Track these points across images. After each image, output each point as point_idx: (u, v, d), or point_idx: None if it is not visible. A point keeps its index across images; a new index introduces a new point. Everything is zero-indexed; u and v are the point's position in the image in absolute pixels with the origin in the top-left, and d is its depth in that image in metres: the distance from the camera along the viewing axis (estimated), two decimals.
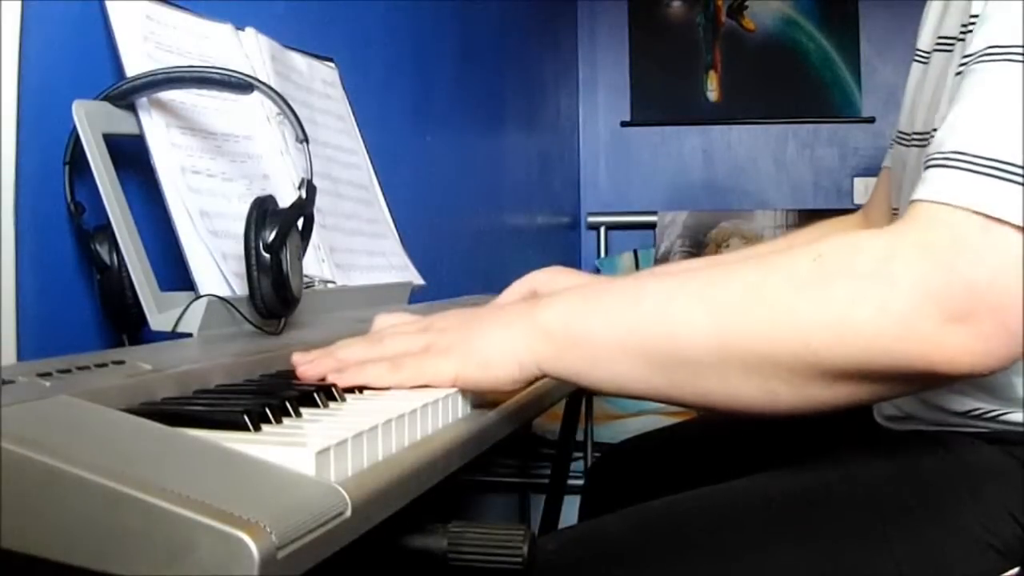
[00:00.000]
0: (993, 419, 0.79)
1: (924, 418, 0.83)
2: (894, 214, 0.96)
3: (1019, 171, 0.58)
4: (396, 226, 1.30)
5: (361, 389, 0.68)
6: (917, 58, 0.93)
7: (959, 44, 0.76)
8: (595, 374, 0.69)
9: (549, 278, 1.01)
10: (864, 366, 0.61)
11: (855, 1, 3.07)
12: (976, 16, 0.66)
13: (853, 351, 0.60)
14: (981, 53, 0.63)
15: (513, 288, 1.01)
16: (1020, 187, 0.58)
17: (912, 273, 0.59)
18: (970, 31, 0.67)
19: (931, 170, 0.62)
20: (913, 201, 0.62)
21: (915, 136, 0.89)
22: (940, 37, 0.84)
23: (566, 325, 0.69)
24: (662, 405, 2.32)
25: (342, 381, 0.69)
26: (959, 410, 0.80)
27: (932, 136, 0.65)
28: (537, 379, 0.72)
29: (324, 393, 0.63)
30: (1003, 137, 0.60)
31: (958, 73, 0.67)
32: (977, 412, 0.79)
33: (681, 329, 0.65)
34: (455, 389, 0.69)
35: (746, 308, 0.63)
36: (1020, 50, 0.61)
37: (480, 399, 0.72)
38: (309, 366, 0.71)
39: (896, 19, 2.95)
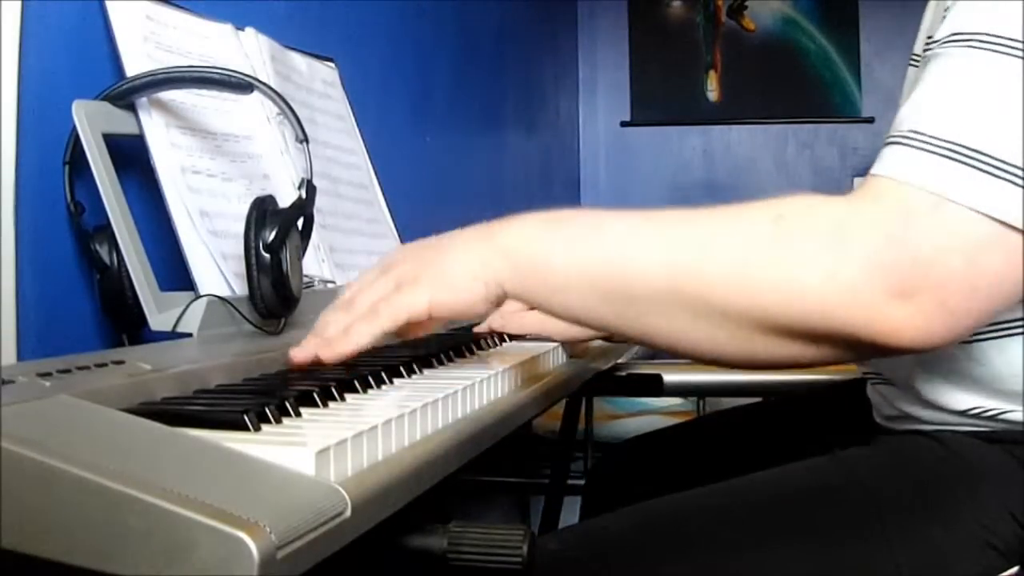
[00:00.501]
0: (993, 418, 0.79)
1: (923, 418, 0.83)
2: None
3: (972, 154, 0.60)
4: (396, 226, 1.30)
5: (363, 388, 0.68)
6: (912, 62, 0.93)
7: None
8: (551, 300, 0.70)
9: None
10: (807, 327, 0.62)
11: (855, 1, 3.07)
12: (948, 7, 0.68)
13: (798, 312, 0.62)
14: (945, 39, 0.65)
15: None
16: (972, 169, 0.59)
17: (863, 244, 0.60)
18: (942, 22, 0.68)
19: (889, 147, 0.63)
20: (871, 175, 0.63)
21: None
22: (928, 39, 0.85)
23: (527, 247, 0.70)
24: (662, 405, 2.33)
25: (333, 354, 0.70)
26: (959, 408, 0.80)
27: None
28: (502, 299, 0.72)
29: (324, 393, 0.63)
30: (959, 120, 0.61)
31: (922, 57, 0.68)
32: (977, 411, 0.79)
33: (635, 266, 0.66)
34: (457, 387, 0.69)
35: (702, 255, 0.65)
36: (982, 37, 0.62)
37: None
38: (298, 350, 0.73)
39: (896, 19, 2.95)
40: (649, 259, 0.66)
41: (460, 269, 0.71)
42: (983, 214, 0.59)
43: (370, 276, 0.77)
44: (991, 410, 0.79)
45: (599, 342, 1.05)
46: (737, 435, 1.12)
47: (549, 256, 0.69)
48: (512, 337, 1.02)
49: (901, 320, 0.60)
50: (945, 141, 0.61)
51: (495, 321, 1.00)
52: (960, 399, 0.80)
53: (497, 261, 0.70)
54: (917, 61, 0.91)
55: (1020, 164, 0.59)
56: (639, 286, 0.66)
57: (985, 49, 0.62)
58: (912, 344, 0.61)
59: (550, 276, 0.69)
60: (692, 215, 0.68)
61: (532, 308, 0.76)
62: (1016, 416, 0.78)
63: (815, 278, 0.61)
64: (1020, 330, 0.76)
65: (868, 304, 0.60)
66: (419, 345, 0.88)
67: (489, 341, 0.99)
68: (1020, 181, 0.59)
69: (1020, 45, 0.61)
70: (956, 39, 0.64)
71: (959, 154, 0.60)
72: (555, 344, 0.98)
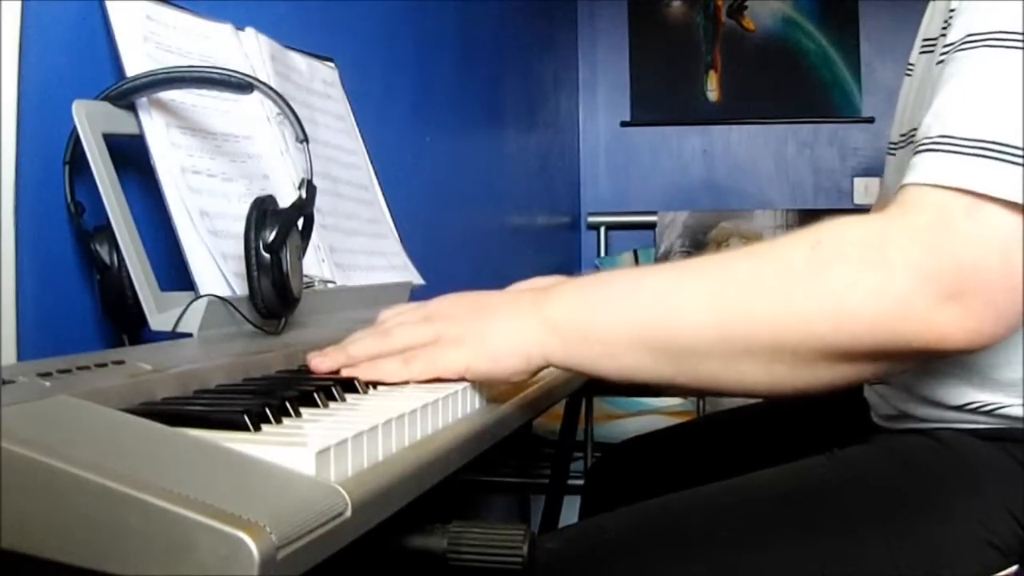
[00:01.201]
0: (990, 413, 0.79)
1: (921, 416, 0.83)
2: None
3: (1005, 148, 0.60)
4: (396, 226, 1.30)
5: (366, 387, 0.69)
6: (908, 72, 0.94)
7: (940, 40, 0.77)
8: (601, 365, 0.70)
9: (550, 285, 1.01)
10: (864, 347, 0.63)
11: (855, 1, 3.07)
12: (954, 10, 0.68)
13: (853, 334, 0.62)
14: (961, 42, 0.66)
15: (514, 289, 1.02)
16: (1005, 164, 0.60)
17: (905, 256, 0.61)
18: (949, 25, 0.69)
19: (919, 155, 0.64)
20: (903, 186, 0.64)
21: (901, 137, 0.90)
22: (924, 40, 0.86)
23: (571, 318, 0.70)
24: (662, 405, 2.33)
25: (356, 376, 0.70)
26: (956, 403, 0.80)
27: (915, 133, 0.67)
28: (542, 369, 0.73)
29: (324, 393, 0.63)
30: (985, 118, 0.62)
31: (939, 63, 0.69)
32: (974, 405, 0.79)
33: (682, 319, 0.67)
34: (458, 388, 0.69)
35: (746, 296, 0.65)
36: (999, 35, 0.63)
37: (489, 392, 0.73)
38: (322, 358, 0.73)
39: (896, 19, 2.95)
40: (694, 309, 0.66)
41: (505, 342, 0.71)
42: (1017, 205, 0.60)
43: (412, 315, 0.76)
44: (988, 404, 0.79)
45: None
46: (737, 435, 1.13)
47: (595, 323, 0.69)
48: None
49: (952, 324, 0.61)
50: (973, 140, 0.61)
51: None
52: (957, 393, 0.80)
53: (544, 335, 0.70)
54: (911, 70, 0.92)
55: None
56: (688, 338, 0.66)
57: (1000, 46, 0.63)
58: (966, 345, 0.62)
59: (598, 343, 0.69)
60: (729, 258, 0.69)
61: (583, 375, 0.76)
62: (1013, 412, 0.78)
63: (863, 297, 0.62)
64: None
65: (919, 313, 0.61)
66: None
67: None
68: None
69: None
70: (970, 41, 0.65)
71: (989, 150, 0.61)
72: None
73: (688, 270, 0.70)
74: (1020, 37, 0.62)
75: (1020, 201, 0.59)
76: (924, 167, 0.63)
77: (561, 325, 0.70)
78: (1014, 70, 0.62)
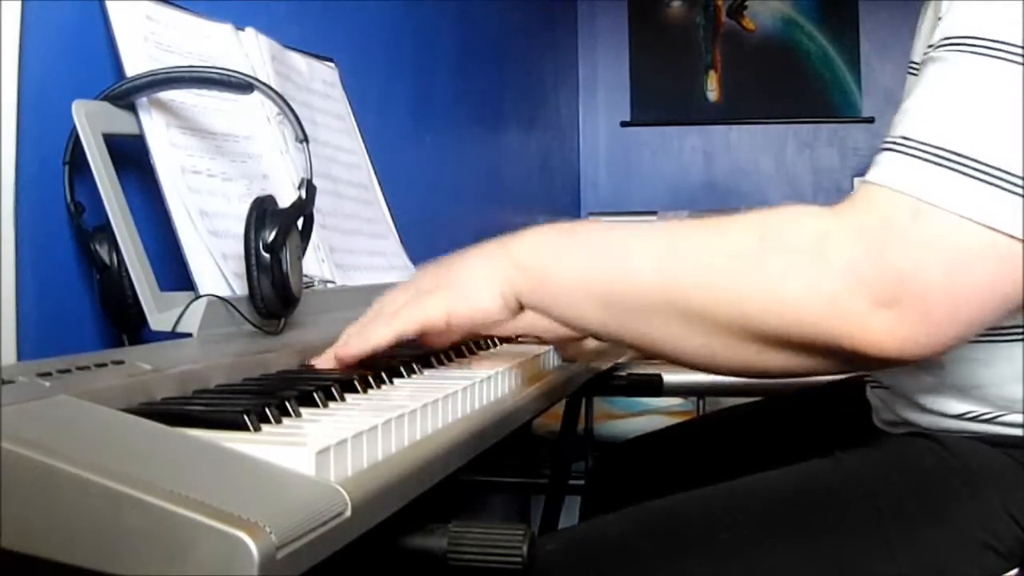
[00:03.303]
0: (989, 421, 0.79)
1: (921, 423, 0.83)
2: None
3: (959, 158, 0.59)
4: (396, 226, 1.30)
5: (363, 388, 0.68)
6: (910, 70, 0.94)
7: None
8: (561, 311, 0.73)
9: None
10: (794, 337, 0.63)
11: (855, 1, 3.07)
12: (942, 15, 0.68)
13: (783, 322, 0.63)
14: (938, 44, 0.65)
15: None
16: (958, 175, 0.59)
17: (844, 255, 0.61)
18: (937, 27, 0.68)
19: (880, 153, 0.64)
20: (863, 182, 0.64)
21: None
22: (928, 47, 0.85)
23: (538, 260, 0.73)
24: (662, 405, 2.33)
25: (349, 351, 0.74)
26: (954, 413, 0.80)
27: None
28: (520, 310, 0.75)
29: (324, 393, 0.63)
30: (947, 125, 0.61)
31: (921, 62, 0.69)
32: (973, 414, 0.79)
33: (633, 279, 0.69)
34: (457, 387, 0.69)
35: (692, 265, 0.67)
36: (972, 41, 0.62)
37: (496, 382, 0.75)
38: (323, 357, 0.77)
39: (896, 19, 2.95)
40: (644, 268, 0.68)
41: (477, 280, 0.74)
42: (972, 221, 0.58)
43: (393, 291, 0.80)
44: (986, 414, 0.79)
45: (593, 343, 1.05)
46: (737, 435, 1.12)
47: (557, 268, 0.72)
48: (503, 340, 1.02)
49: (883, 331, 0.60)
50: (933, 146, 0.60)
51: None
52: (955, 404, 0.80)
53: (511, 272, 0.73)
54: (915, 70, 0.91)
55: (1011, 169, 0.59)
56: (637, 296, 0.68)
57: (974, 53, 0.62)
58: (896, 354, 0.61)
59: (558, 288, 0.72)
60: (687, 227, 0.72)
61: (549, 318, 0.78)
62: (1012, 419, 0.78)
63: (797, 290, 0.62)
64: (1013, 337, 0.76)
65: (850, 315, 0.60)
66: (419, 345, 0.88)
67: (489, 342, 0.99)
68: (1015, 188, 0.58)
69: (1010, 48, 0.61)
70: (947, 43, 0.64)
71: (947, 159, 0.60)
72: (553, 345, 0.98)
73: (651, 231, 0.73)
74: (997, 45, 0.61)
75: (968, 215, 0.58)
76: (880, 166, 0.63)
77: (527, 265, 0.73)
78: (986, 80, 0.61)
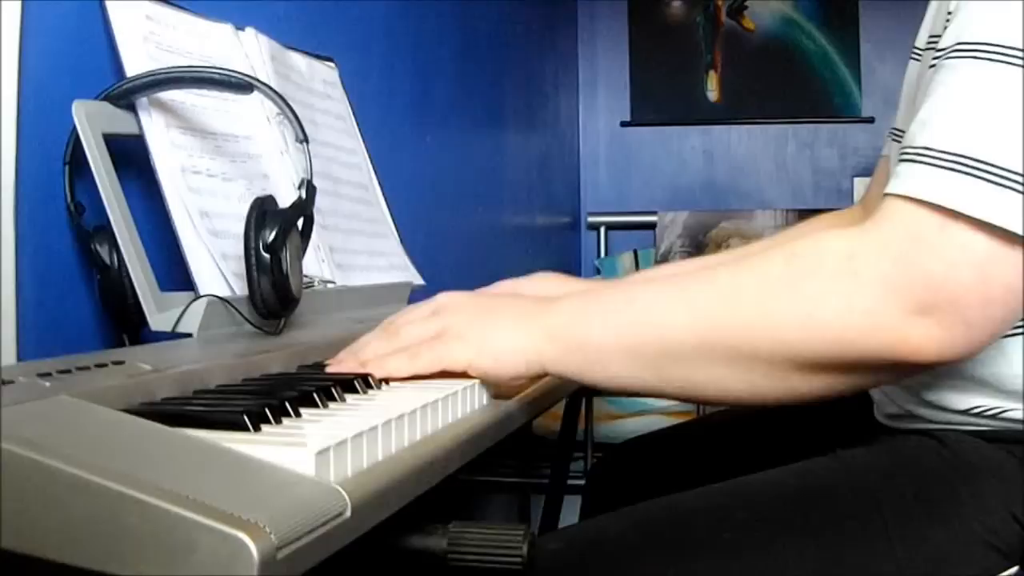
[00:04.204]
0: (994, 416, 0.79)
1: (925, 416, 0.83)
2: None
3: (981, 165, 0.60)
4: (396, 226, 1.30)
5: (366, 388, 0.69)
6: (913, 56, 0.94)
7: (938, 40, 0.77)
8: (592, 372, 0.73)
9: (536, 285, 1.02)
10: (835, 358, 0.65)
11: (855, 1, 3.07)
12: (951, 13, 0.68)
13: (824, 345, 0.64)
14: (951, 49, 0.66)
15: (501, 286, 1.02)
16: (983, 182, 0.60)
17: (874, 270, 0.62)
18: (946, 27, 0.69)
19: (901, 164, 0.64)
20: (884, 195, 0.65)
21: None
22: (931, 36, 0.85)
23: (567, 327, 0.73)
24: (662, 405, 2.33)
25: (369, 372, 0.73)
26: (960, 408, 0.80)
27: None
28: (540, 376, 0.77)
29: (324, 393, 0.63)
30: (967, 133, 0.62)
31: (931, 67, 0.69)
32: (978, 409, 0.79)
33: (667, 329, 0.69)
34: (457, 388, 0.69)
35: (726, 306, 0.68)
36: (986, 48, 0.63)
37: (496, 389, 0.76)
38: (337, 364, 0.76)
39: (896, 19, 2.95)
40: (676, 318, 0.69)
41: (507, 343, 0.74)
42: (998, 225, 0.60)
43: (418, 313, 0.79)
44: (992, 409, 0.79)
45: None
46: (737, 435, 1.12)
47: (589, 332, 0.72)
48: None
49: (923, 338, 0.62)
50: (953, 155, 0.62)
51: None
52: (961, 399, 0.80)
53: (542, 343, 0.73)
54: (918, 55, 0.92)
55: (1021, 171, 0.60)
56: (671, 345, 0.69)
57: (989, 59, 0.63)
58: (937, 358, 0.63)
59: (590, 351, 0.72)
60: (711, 271, 0.72)
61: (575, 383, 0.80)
62: (1017, 414, 0.78)
63: (832, 311, 0.63)
64: (1016, 332, 0.77)
65: (888, 327, 0.62)
66: None
67: None
68: (1021, 188, 0.60)
69: (1022, 54, 0.62)
70: (960, 50, 0.65)
71: (970, 167, 0.61)
72: None
73: (676, 280, 0.75)
74: (1010, 51, 0.62)
75: (994, 222, 0.60)
76: (904, 178, 0.63)
77: (558, 334, 0.73)
78: (1000, 86, 0.62)
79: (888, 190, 0.64)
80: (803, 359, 0.65)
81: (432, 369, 0.73)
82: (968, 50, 0.64)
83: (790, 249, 0.67)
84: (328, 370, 0.76)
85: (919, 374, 0.81)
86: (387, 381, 0.73)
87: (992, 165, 0.60)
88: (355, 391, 0.68)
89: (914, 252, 0.61)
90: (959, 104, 0.64)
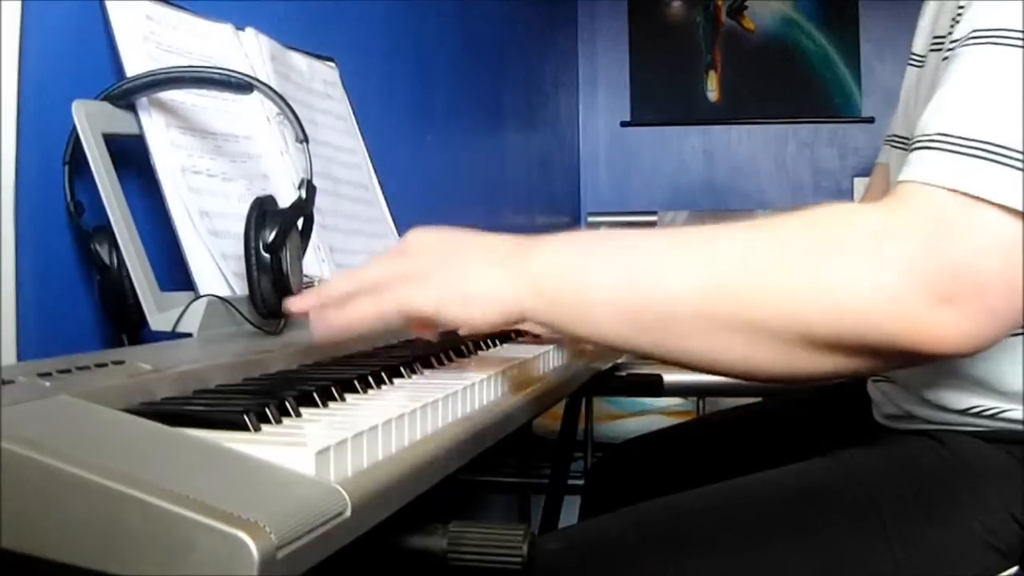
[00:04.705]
0: (993, 416, 0.79)
1: (924, 417, 0.83)
2: None
3: (1002, 151, 0.59)
4: (396, 226, 1.30)
5: (363, 388, 0.68)
6: (912, 62, 0.93)
7: (948, 38, 0.76)
8: (579, 326, 0.68)
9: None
10: (850, 339, 0.61)
11: (855, 1, 3.07)
12: (963, 7, 0.67)
13: (841, 324, 0.61)
14: (965, 38, 0.64)
15: None
16: (1003, 167, 0.59)
17: (901, 252, 0.59)
18: (957, 22, 0.68)
19: (916, 152, 0.63)
20: (900, 181, 0.63)
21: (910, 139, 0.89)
22: (934, 37, 0.85)
23: (558, 278, 0.68)
24: (662, 405, 2.33)
25: (327, 325, 0.70)
26: (959, 408, 0.80)
27: None
28: (518, 321, 0.71)
29: (324, 393, 0.63)
30: (987, 118, 0.61)
31: (944, 59, 0.68)
32: (977, 410, 0.79)
33: (666, 288, 0.65)
34: (457, 387, 0.69)
35: (736, 272, 0.63)
36: (1004, 33, 0.62)
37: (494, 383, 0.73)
38: (296, 300, 0.74)
39: (896, 19, 2.95)
40: (679, 278, 0.64)
41: (480, 288, 0.68)
42: (1015, 210, 0.58)
43: (385, 256, 0.75)
44: (991, 409, 0.79)
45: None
46: (737, 435, 1.12)
47: (580, 285, 0.67)
48: (502, 339, 1.02)
49: (946, 326, 0.59)
50: (973, 140, 0.60)
51: None
52: (960, 399, 0.80)
53: (524, 289, 0.68)
54: (918, 61, 0.91)
55: None
56: (673, 311, 0.64)
57: (1006, 44, 0.62)
58: (959, 349, 0.60)
59: (581, 305, 0.67)
60: (723, 231, 0.66)
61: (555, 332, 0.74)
62: (1016, 415, 0.78)
63: (855, 290, 0.60)
64: (1017, 332, 0.77)
65: (911, 313, 0.59)
66: (419, 345, 0.88)
67: (489, 342, 0.99)
68: None
69: None
70: (976, 37, 0.63)
71: (988, 152, 0.60)
72: (553, 344, 0.98)
73: (682, 236, 0.68)
74: (1022, 35, 0.61)
75: (1017, 207, 0.58)
76: (922, 165, 0.62)
77: (543, 281, 0.68)
78: (1016, 70, 0.61)
79: (903, 177, 0.62)
80: (814, 336, 0.62)
81: (395, 309, 0.68)
82: (982, 37, 0.63)
83: (811, 217, 0.63)
84: (288, 306, 0.74)
85: (929, 364, 0.78)
86: (388, 380, 0.71)
87: (1011, 150, 0.59)
88: (355, 391, 0.68)
89: (939, 237, 0.59)
90: (975, 89, 0.62)
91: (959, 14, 0.68)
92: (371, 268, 0.73)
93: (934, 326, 0.59)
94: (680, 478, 0.93)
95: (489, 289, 0.68)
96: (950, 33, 0.75)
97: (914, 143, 0.64)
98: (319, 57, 1.26)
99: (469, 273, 0.69)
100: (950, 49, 0.67)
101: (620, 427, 2.27)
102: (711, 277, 0.64)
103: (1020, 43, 0.61)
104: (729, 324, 0.63)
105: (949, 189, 0.60)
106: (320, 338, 0.73)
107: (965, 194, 0.59)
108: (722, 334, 0.63)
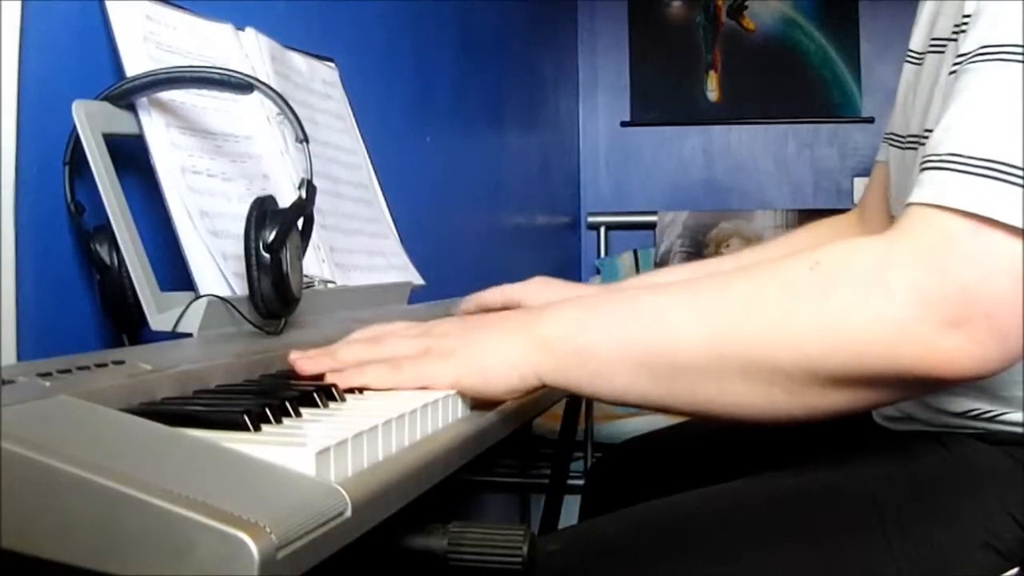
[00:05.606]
0: (991, 419, 0.79)
1: (923, 419, 0.83)
2: (893, 218, 0.96)
3: (1013, 171, 0.58)
4: (396, 226, 1.30)
5: (362, 390, 0.69)
6: (909, 59, 0.93)
7: (951, 44, 0.76)
8: (595, 385, 0.69)
9: (533, 290, 1.01)
10: (862, 372, 0.61)
11: (855, 1, 3.07)
12: (969, 16, 0.66)
13: (850, 358, 0.60)
14: (975, 53, 0.63)
15: (493, 292, 1.02)
16: (1014, 187, 0.58)
17: (907, 279, 0.59)
18: (963, 31, 0.67)
19: (926, 172, 0.62)
20: (909, 204, 0.62)
21: (910, 138, 0.89)
22: (933, 38, 0.84)
23: (567, 337, 0.69)
24: None
25: (342, 381, 0.69)
26: (957, 411, 0.80)
27: (928, 137, 0.65)
28: (536, 390, 0.72)
29: (324, 393, 0.63)
30: (997, 137, 0.59)
31: (952, 73, 0.67)
32: (975, 413, 0.79)
33: (679, 340, 0.65)
34: (455, 390, 0.69)
35: (744, 316, 0.64)
36: (1013, 49, 0.61)
37: (479, 402, 0.72)
38: (308, 361, 0.72)
39: (896, 19, 2.95)
40: (690, 328, 0.65)
41: (498, 357, 0.70)
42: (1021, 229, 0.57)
43: (406, 326, 0.76)
44: (988, 412, 0.79)
45: None
46: (737, 436, 1.12)
47: (590, 343, 0.67)
48: None
49: (955, 351, 0.58)
50: (981, 160, 0.59)
51: None
52: (957, 402, 0.80)
53: (537, 353, 0.69)
54: (916, 59, 0.91)
55: None
56: (683, 359, 0.65)
57: (1014, 61, 0.61)
58: (970, 373, 0.60)
59: (592, 362, 0.67)
60: (725, 278, 0.67)
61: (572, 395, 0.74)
62: (1014, 418, 0.78)
63: (861, 321, 0.59)
64: None
65: (920, 340, 0.58)
66: None
67: None
68: None
69: None
70: (985, 53, 0.63)
71: (999, 172, 0.59)
72: None
73: (686, 288, 0.69)
74: None
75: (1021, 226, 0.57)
76: (930, 186, 0.61)
77: (554, 343, 0.69)
78: None
79: (914, 199, 0.61)
80: (825, 373, 0.61)
81: (413, 384, 0.69)
82: (993, 53, 0.62)
83: (814, 256, 0.63)
84: (296, 365, 0.72)
85: (947, 389, 0.77)
86: (360, 390, 0.70)
87: (1021, 168, 0.58)
88: (355, 391, 0.68)
89: (948, 261, 0.58)
90: (986, 108, 0.61)
91: (964, 22, 0.67)
92: (388, 338, 0.74)
93: (943, 351, 0.58)
94: (680, 478, 0.93)
95: (504, 359, 0.69)
96: (952, 38, 0.75)
97: (923, 163, 0.63)
98: (319, 57, 1.26)
99: (486, 348, 0.70)
100: (957, 63, 0.65)
101: (620, 427, 2.27)
102: (717, 322, 0.64)
103: None
104: (740, 368, 0.63)
105: (959, 210, 0.59)
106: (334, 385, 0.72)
107: (976, 215, 0.58)
108: (735, 379, 0.64)
